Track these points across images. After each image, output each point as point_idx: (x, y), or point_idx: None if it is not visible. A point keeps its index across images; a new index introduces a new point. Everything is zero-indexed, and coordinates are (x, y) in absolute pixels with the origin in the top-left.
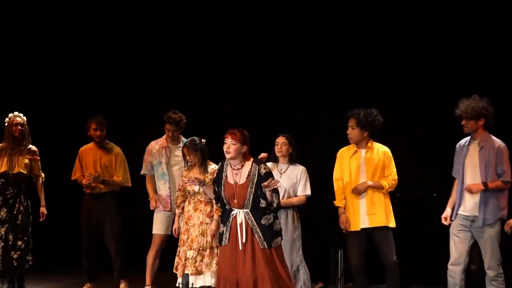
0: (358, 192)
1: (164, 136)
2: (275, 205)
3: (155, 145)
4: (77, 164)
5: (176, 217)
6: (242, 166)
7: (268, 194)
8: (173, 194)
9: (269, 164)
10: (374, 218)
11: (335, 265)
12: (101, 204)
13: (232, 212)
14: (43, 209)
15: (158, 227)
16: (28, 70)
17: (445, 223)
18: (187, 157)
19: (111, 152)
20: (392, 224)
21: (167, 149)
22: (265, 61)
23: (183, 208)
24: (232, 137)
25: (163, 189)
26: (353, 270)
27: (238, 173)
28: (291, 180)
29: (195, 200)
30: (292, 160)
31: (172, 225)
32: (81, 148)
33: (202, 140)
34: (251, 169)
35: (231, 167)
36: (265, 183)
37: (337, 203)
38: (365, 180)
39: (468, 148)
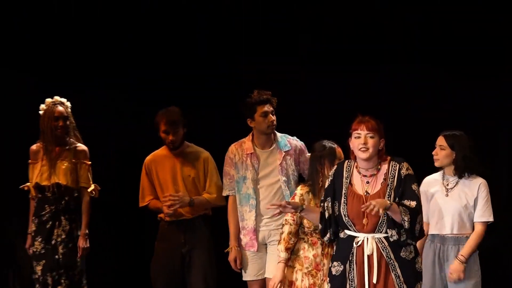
0: None
1: (249, 137)
2: (406, 224)
3: (236, 151)
4: (145, 181)
5: (280, 264)
6: (378, 171)
7: (392, 214)
8: (263, 227)
9: (434, 176)
10: None
11: None
12: (188, 236)
13: (357, 240)
14: (82, 241)
15: (248, 272)
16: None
17: None
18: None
19: (196, 159)
20: None
21: (255, 156)
22: None
23: (291, 252)
24: (367, 127)
25: (248, 218)
26: None
27: (372, 181)
28: (461, 201)
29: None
30: (462, 171)
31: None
32: (147, 158)
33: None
34: (388, 170)
35: (359, 172)
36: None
37: None
38: None
39: None
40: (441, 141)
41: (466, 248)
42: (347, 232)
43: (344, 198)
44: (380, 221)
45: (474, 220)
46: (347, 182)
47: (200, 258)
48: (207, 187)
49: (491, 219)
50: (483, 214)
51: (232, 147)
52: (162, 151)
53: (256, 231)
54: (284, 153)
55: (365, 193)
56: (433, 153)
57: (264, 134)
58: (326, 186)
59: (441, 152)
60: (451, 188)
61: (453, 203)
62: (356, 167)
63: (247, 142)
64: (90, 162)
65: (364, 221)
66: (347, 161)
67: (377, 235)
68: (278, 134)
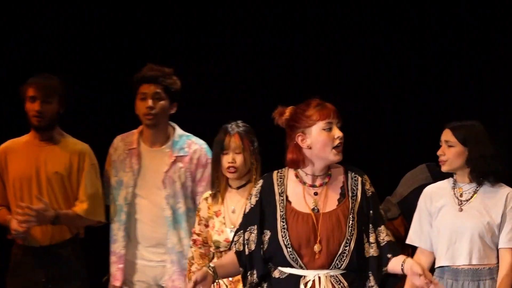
0: None
1: (140, 127)
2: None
3: (119, 143)
4: None
5: None
6: (329, 177)
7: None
8: (150, 261)
9: (440, 185)
10: None
11: None
12: (53, 271)
13: (305, 280)
14: None
15: None
16: None
17: None
18: (232, 160)
19: (69, 151)
20: None
21: (137, 154)
22: None
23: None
24: (338, 114)
25: (116, 240)
26: None
27: (322, 192)
28: (483, 217)
29: None
30: (480, 176)
31: None
32: (2, 145)
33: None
34: (346, 182)
35: (303, 182)
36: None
37: None
38: None
39: None
40: (447, 135)
41: None
42: (286, 270)
43: (283, 222)
44: (341, 251)
45: (501, 246)
46: (282, 200)
47: None
48: (79, 193)
49: None
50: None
51: (117, 138)
52: (24, 137)
53: (126, 259)
54: (174, 158)
55: (314, 210)
56: (439, 152)
57: (146, 126)
58: (247, 209)
59: (449, 150)
60: (467, 200)
61: (471, 220)
62: (296, 176)
63: (135, 134)
64: None
65: (317, 247)
66: (276, 171)
67: (333, 272)
68: (179, 132)
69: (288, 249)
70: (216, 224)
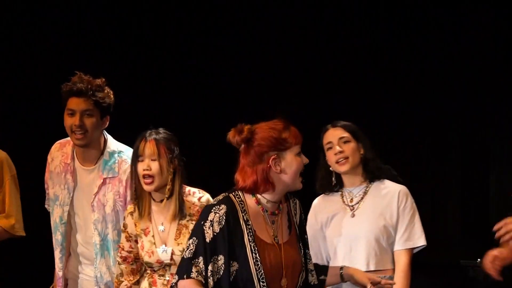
0: None
1: (69, 139)
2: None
3: (56, 152)
4: None
5: None
6: (282, 204)
7: None
8: (79, 268)
9: (328, 196)
10: None
11: None
12: None
13: None
14: None
15: None
16: None
17: None
18: (147, 168)
19: None
20: None
21: (72, 171)
22: None
23: None
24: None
25: (56, 258)
26: None
27: (277, 220)
28: (377, 219)
29: (164, 279)
30: (373, 173)
31: None
32: None
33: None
34: (289, 207)
35: (263, 209)
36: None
37: None
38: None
39: None
40: (339, 132)
41: None
42: None
43: (254, 253)
44: (298, 282)
45: (396, 248)
46: (250, 229)
47: None
48: (6, 206)
49: (420, 242)
50: (410, 237)
51: (55, 146)
52: None
53: (69, 271)
54: (102, 180)
55: (275, 241)
56: (337, 150)
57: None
58: (208, 237)
59: (348, 146)
60: (357, 203)
61: (365, 225)
62: (257, 202)
63: (70, 145)
64: None
65: (283, 282)
66: (231, 195)
67: None
68: (112, 148)
69: (262, 283)
70: (146, 244)
